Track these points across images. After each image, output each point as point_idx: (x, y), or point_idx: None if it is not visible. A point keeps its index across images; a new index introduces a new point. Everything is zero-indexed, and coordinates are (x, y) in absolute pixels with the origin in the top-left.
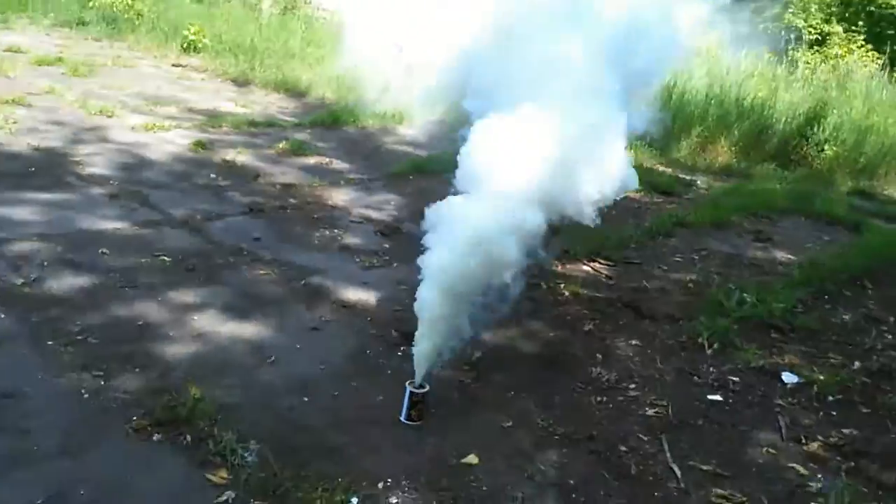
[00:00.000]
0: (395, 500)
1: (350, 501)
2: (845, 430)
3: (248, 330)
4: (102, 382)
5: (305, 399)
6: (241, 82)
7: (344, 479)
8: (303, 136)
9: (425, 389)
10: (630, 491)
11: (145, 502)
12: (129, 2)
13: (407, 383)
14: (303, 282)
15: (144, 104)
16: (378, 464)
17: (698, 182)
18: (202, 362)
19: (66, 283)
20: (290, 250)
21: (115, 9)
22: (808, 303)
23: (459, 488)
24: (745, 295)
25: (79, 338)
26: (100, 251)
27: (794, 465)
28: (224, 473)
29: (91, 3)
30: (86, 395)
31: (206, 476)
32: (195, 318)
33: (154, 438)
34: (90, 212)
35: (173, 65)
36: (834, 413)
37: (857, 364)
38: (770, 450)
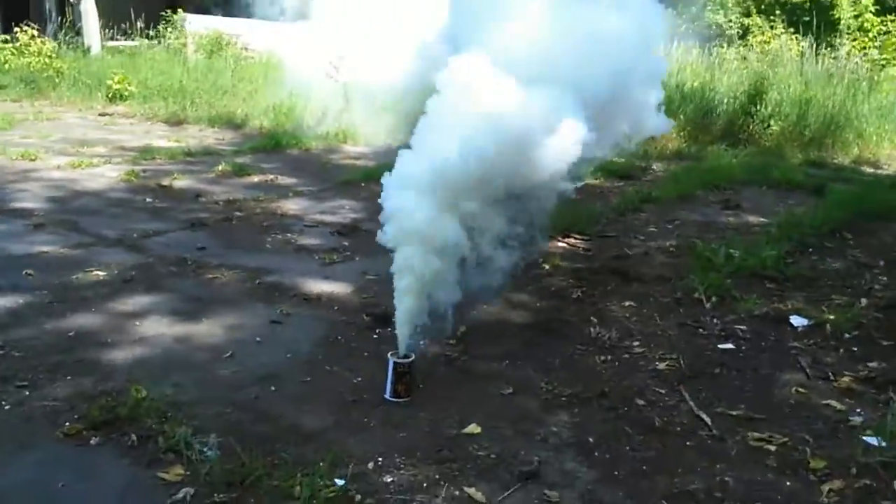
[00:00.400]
0: (389, 479)
1: (335, 483)
2: (871, 364)
3: (200, 330)
4: (27, 392)
5: (272, 388)
6: (174, 122)
7: (326, 463)
8: (243, 160)
9: (411, 359)
10: (658, 442)
11: None
12: (47, 60)
13: (389, 354)
14: (257, 281)
15: (70, 147)
16: (365, 443)
17: (654, 167)
18: (146, 364)
19: None
20: (240, 255)
21: (32, 69)
22: (794, 255)
23: (464, 458)
24: (731, 251)
25: (0, 353)
26: (24, 273)
27: (829, 401)
28: (179, 470)
29: (6, 66)
30: (6, 407)
31: (157, 475)
32: (136, 323)
33: (91, 442)
34: (14, 239)
35: (100, 114)
36: (854, 349)
37: (863, 301)
38: (799, 389)
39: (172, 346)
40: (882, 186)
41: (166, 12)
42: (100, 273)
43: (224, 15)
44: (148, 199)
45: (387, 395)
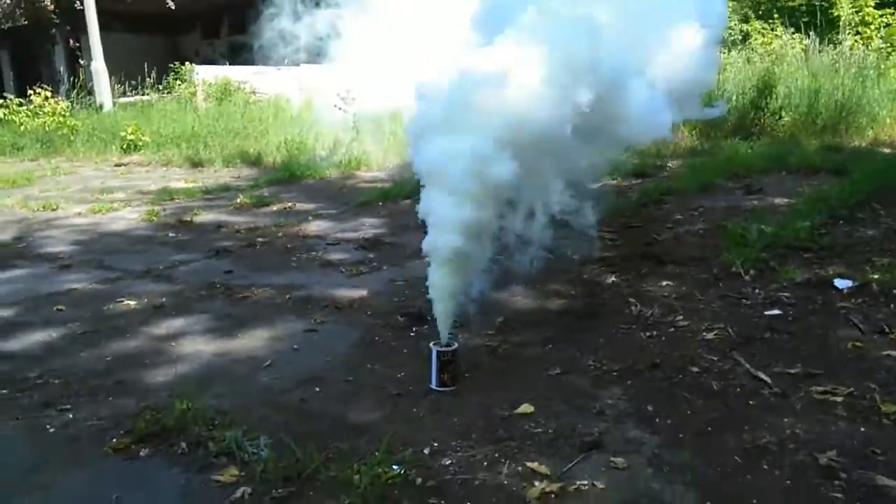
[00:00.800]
0: (448, 462)
1: (393, 469)
2: None
3: (236, 344)
4: (70, 415)
5: (317, 389)
6: (189, 166)
7: (381, 451)
8: (261, 192)
9: (454, 347)
10: (720, 404)
11: None
12: (62, 119)
13: (432, 344)
14: (287, 296)
15: (89, 195)
16: (417, 431)
17: (669, 164)
18: (186, 380)
19: (18, 341)
20: (267, 275)
21: (47, 128)
22: (826, 226)
23: (522, 436)
24: (762, 227)
25: (38, 382)
26: (55, 308)
27: (888, 352)
28: (234, 471)
29: (22, 128)
30: (51, 430)
31: (210, 478)
32: (172, 344)
33: (141, 454)
34: (42, 280)
35: (116, 165)
36: None
37: None
38: (855, 343)
39: (211, 360)
40: None
41: (174, 65)
42: (130, 302)
43: (231, 63)
44: (171, 234)
45: (433, 385)
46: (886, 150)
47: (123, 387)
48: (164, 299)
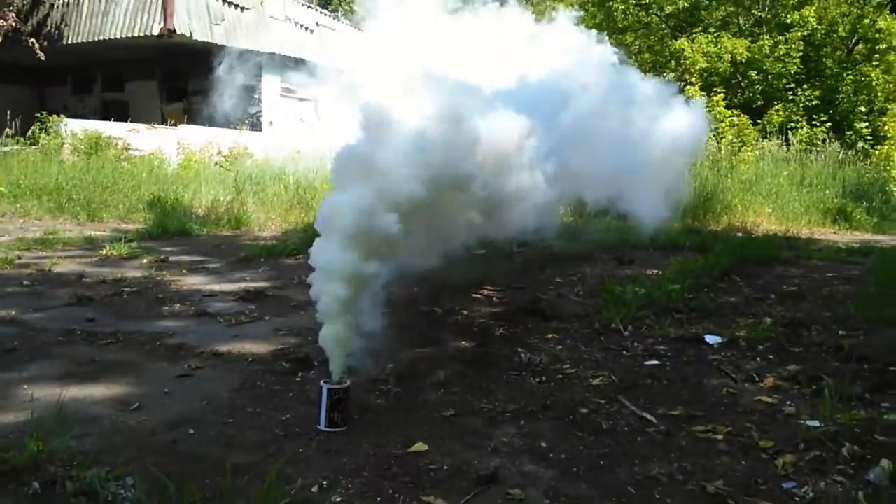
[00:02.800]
0: (339, 499)
1: None
2: (790, 367)
3: (98, 389)
4: None
5: (191, 431)
6: (50, 218)
7: (264, 488)
8: (131, 246)
9: (346, 385)
10: (611, 441)
11: None
12: None
13: (322, 382)
14: (158, 343)
15: None
16: (306, 470)
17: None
18: (41, 422)
19: None
20: (135, 323)
21: None
22: (692, 292)
23: (416, 473)
24: (637, 289)
25: None
26: None
27: (760, 397)
28: None
29: None
30: None
31: None
32: (25, 387)
33: None
34: None
35: None
36: (771, 356)
37: (768, 321)
38: (729, 390)
39: (70, 404)
40: (757, 241)
41: (41, 114)
42: None
43: (114, 119)
44: (25, 283)
45: (321, 426)
46: (739, 234)
47: None
48: (15, 342)
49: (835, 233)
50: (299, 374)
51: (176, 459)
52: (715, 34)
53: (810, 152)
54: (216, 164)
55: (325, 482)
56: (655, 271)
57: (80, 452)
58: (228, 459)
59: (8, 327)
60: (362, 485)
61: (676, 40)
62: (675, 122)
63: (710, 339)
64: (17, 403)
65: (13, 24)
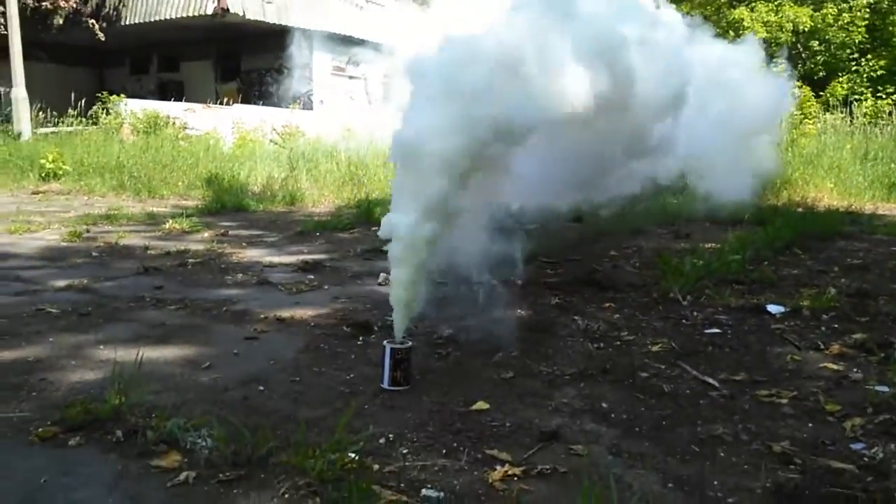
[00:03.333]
0: (405, 451)
1: (348, 455)
2: (855, 336)
3: (170, 351)
4: None
5: (261, 388)
6: (113, 196)
7: (334, 439)
8: (192, 220)
9: (409, 345)
10: (672, 403)
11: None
12: None
13: (385, 342)
14: (224, 309)
15: (3, 219)
16: (372, 425)
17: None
18: (119, 379)
19: None
20: (201, 291)
21: None
22: (752, 265)
23: (479, 429)
24: (696, 260)
25: None
26: None
27: (826, 364)
28: (175, 457)
29: None
30: None
31: (150, 464)
32: (101, 348)
33: (70, 444)
34: None
35: (33, 192)
36: (836, 326)
37: (832, 291)
38: (794, 357)
39: (144, 363)
40: (819, 215)
41: (101, 94)
42: (52, 309)
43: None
44: (94, 254)
45: (384, 384)
46: (800, 210)
47: (48, 383)
48: (90, 308)
49: None
50: (360, 338)
51: (248, 413)
52: (776, 2)
53: (875, 125)
54: (271, 141)
55: (391, 435)
56: (713, 244)
57: (157, 406)
58: (297, 413)
59: (81, 294)
60: (427, 438)
61: (735, 9)
62: (759, 95)
63: (772, 308)
64: (94, 362)
65: (74, 5)
